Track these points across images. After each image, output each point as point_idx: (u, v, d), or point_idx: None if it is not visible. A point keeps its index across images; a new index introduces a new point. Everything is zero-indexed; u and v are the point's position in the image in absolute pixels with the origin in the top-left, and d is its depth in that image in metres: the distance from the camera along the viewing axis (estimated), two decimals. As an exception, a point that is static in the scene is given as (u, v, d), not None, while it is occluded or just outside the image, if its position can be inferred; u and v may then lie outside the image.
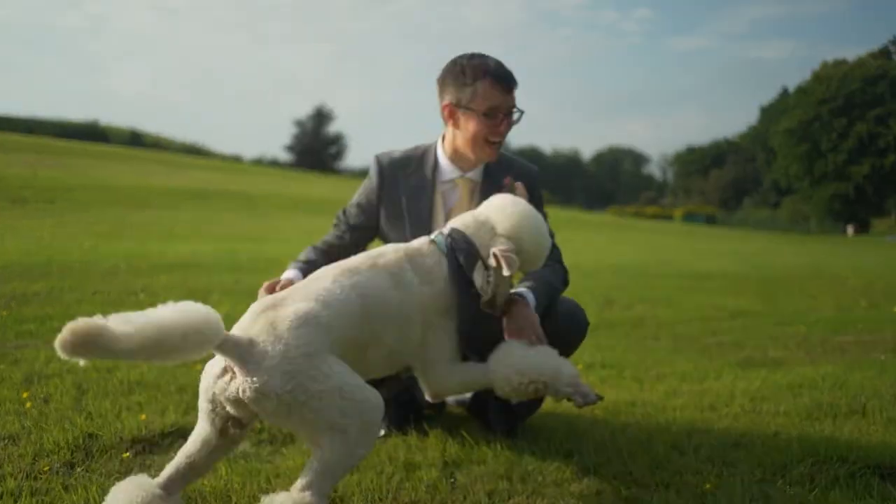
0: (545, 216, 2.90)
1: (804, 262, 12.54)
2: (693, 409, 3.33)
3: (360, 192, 2.85)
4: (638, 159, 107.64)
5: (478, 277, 2.27)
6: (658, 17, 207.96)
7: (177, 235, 12.05)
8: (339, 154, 74.98)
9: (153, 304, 5.53)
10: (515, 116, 2.67)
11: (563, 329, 2.63)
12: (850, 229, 51.93)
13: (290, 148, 73.39)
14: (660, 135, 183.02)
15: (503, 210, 2.37)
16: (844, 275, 9.73)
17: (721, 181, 75.87)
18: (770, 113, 67.93)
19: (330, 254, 2.71)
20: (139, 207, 17.82)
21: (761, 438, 2.94)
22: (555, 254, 2.84)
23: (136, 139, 67.24)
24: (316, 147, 72.53)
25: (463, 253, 2.27)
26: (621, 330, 5.45)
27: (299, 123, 73.54)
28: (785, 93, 67.09)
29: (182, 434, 2.76)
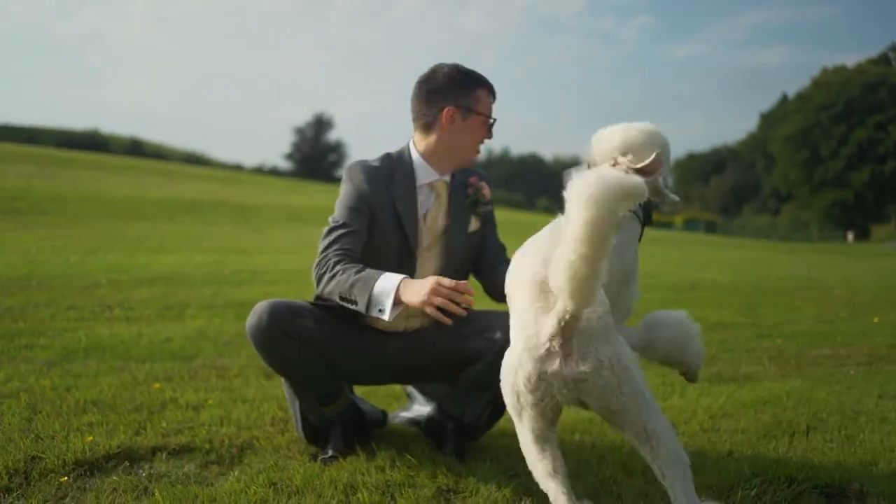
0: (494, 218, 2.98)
1: (797, 272, 12.52)
2: (651, 428, 3.29)
3: (349, 198, 2.75)
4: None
5: None
6: (657, 24, 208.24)
7: (166, 248, 12.04)
8: (338, 162, 75.01)
9: (127, 319, 5.49)
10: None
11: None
12: (849, 236, 51.84)
13: (290, 156, 73.42)
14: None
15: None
16: (832, 285, 9.70)
17: (721, 188, 75.90)
18: (770, 119, 67.90)
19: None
20: (133, 219, 17.84)
21: (714, 458, 2.91)
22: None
23: (136, 148, 67.37)
24: (315, 155, 72.52)
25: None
26: (596, 344, 5.42)
27: (299, 131, 73.55)
28: (784, 99, 67.04)
29: (127, 457, 2.75)
